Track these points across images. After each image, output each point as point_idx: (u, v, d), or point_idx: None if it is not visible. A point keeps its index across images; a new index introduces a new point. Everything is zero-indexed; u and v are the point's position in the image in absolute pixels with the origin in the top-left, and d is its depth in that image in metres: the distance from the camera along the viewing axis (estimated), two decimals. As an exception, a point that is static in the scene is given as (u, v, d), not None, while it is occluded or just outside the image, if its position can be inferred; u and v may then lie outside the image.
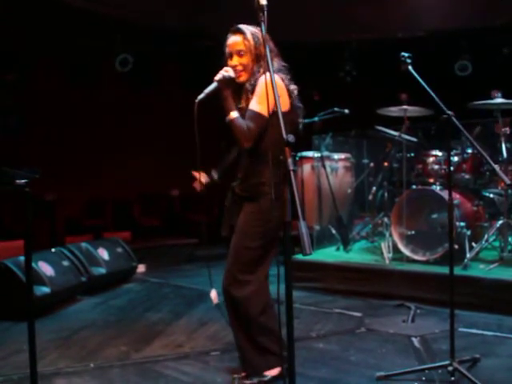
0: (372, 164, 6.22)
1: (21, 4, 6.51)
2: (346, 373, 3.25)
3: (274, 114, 2.79)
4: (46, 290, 4.64)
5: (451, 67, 8.17)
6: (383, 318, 4.34)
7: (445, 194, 4.90)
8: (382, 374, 3.11)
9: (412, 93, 4.95)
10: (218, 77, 2.87)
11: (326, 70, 8.60)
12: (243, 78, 2.95)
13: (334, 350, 3.65)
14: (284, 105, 2.86)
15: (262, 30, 2.23)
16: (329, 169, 6.08)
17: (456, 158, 5.24)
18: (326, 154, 6.16)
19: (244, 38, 2.93)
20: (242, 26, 2.96)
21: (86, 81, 7.75)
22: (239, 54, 2.94)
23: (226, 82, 2.88)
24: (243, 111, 2.89)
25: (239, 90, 2.98)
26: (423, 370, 3.17)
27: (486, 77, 7.52)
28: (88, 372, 3.38)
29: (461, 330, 3.88)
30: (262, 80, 2.72)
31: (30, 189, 2.03)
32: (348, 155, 6.43)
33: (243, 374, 3.06)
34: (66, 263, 5.14)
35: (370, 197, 5.94)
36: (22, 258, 4.67)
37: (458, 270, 4.59)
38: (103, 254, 5.71)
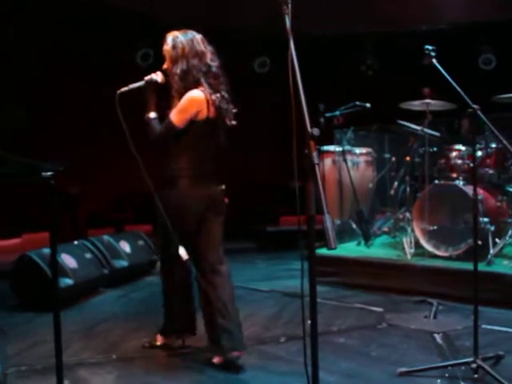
0: (394, 158, 6.17)
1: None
2: (367, 368, 3.24)
3: (193, 123, 3.25)
4: (69, 281, 4.70)
5: (475, 61, 8.06)
6: (405, 314, 4.31)
7: (468, 189, 4.85)
8: (404, 369, 3.10)
9: (435, 86, 4.91)
10: (147, 77, 3.33)
11: (348, 64, 8.54)
12: (171, 80, 3.33)
13: (355, 344, 3.64)
14: (201, 116, 3.26)
15: (286, 24, 2.21)
16: (350, 163, 6.05)
17: (480, 153, 5.17)
18: (347, 148, 6.13)
19: (166, 43, 3.37)
20: (171, 33, 3.38)
21: (110, 75, 7.79)
22: (165, 58, 3.37)
23: (152, 84, 3.34)
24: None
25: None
26: (446, 366, 3.14)
27: (510, 70, 7.41)
28: (110, 363, 3.42)
29: (484, 326, 3.81)
30: (189, 94, 3.22)
31: (55, 182, 2.04)
32: (369, 149, 6.39)
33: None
34: (88, 256, 5.20)
35: (392, 192, 5.88)
36: (45, 250, 4.74)
37: (481, 266, 4.51)
38: (125, 246, 5.75)
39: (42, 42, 7.09)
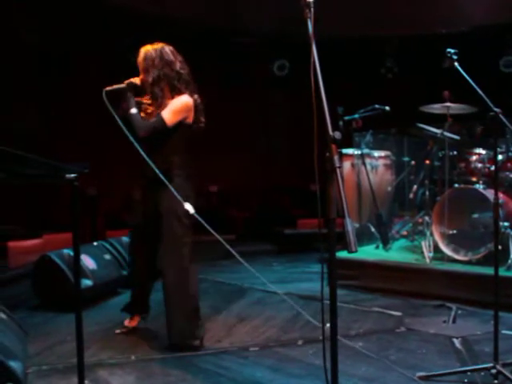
0: (413, 162, 6.14)
1: (65, 2, 6.65)
2: (385, 371, 3.22)
3: (180, 125, 3.64)
4: (88, 282, 4.74)
5: (496, 63, 8.00)
6: (424, 318, 4.28)
7: (488, 194, 4.80)
8: (423, 374, 3.08)
9: (455, 90, 4.88)
10: (127, 81, 3.69)
11: (368, 66, 8.52)
12: (145, 88, 3.72)
13: (373, 348, 3.62)
14: (189, 120, 3.70)
15: (308, 28, 2.21)
16: (369, 166, 6.03)
17: (500, 157, 5.13)
18: (366, 151, 6.11)
19: (138, 56, 3.79)
20: (143, 47, 3.82)
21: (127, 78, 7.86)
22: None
23: (132, 86, 3.70)
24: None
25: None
26: (465, 371, 3.11)
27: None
28: (129, 364, 3.44)
29: (504, 332, 3.78)
30: (183, 99, 3.65)
31: (78, 183, 2.07)
32: (388, 153, 6.36)
33: None
34: (107, 257, 5.24)
35: (411, 195, 5.86)
36: (65, 251, 4.79)
37: (501, 271, 4.46)
38: (143, 248, 5.78)
39: (60, 44, 7.17)
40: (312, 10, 2.15)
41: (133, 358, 3.53)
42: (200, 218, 3.43)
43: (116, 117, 3.54)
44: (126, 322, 4.12)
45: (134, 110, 3.64)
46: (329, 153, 1.79)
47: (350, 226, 1.70)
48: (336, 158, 1.77)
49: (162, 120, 3.56)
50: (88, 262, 4.92)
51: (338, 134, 1.80)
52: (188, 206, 3.43)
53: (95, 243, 5.37)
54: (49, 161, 1.97)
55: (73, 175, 2.02)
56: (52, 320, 4.39)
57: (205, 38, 7.85)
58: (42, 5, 6.64)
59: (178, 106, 3.62)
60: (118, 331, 4.04)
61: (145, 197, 3.83)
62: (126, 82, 3.70)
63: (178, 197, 3.41)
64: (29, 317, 4.50)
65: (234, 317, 4.44)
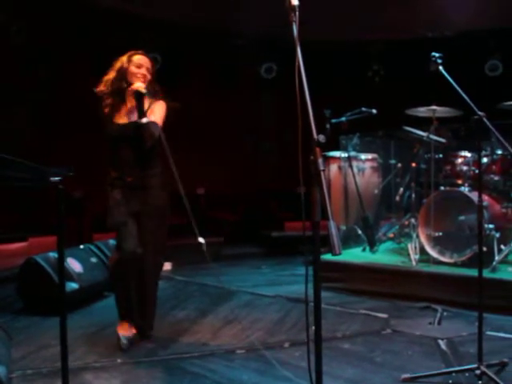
0: (399, 165, 6.18)
1: (52, 4, 6.63)
2: (371, 373, 3.24)
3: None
4: (74, 286, 4.72)
5: (481, 67, 8.07)
6: (409, 320, 4.31)
7: (473, 196, 4.84)
8: (408, 375, 3.10)
9: (441, 93, 4.92)
10: (142, 86, 3.65)
11: (354, 70, 8.56)
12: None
13: (359, 350, 3.64)
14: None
15: (293, 31, 2.22)
16: (356, 169, 6.06)
17: (485, 159, 5.18)
18: (353, 154, 6.14)
19: (147, 62, 3.88)
20: (141, 54, 3.91)
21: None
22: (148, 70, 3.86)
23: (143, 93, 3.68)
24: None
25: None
26: (450, 372, 3.14)
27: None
28: (115, 367, 3.43)
29: (488, 333, 3.82)
30: (163, 104, 3.84)
31: (63, 186, 2.06)
32: (375, 155, 6.40)
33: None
34: (93, 260, 5.22)
35: (397, 198, 5.89)
36: (51, 254, 4.76)
37: (486, 273, 4.51)
38: (130, 251, 5.76)
39: (48, 45, 7.14)
40: (297, 13, 2.15)
41: (118, 361, 3.52)
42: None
43: (141, 122, 3.61)
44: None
45: (146, 119, 3.66)
46: (313, 156, 1.79)
47: (334, 228, 1.71)
48: (320, 161, 1.78)
49: (161, 128, 3.69)
50: (74, 265, 4.90)
51: (322, 138, 1.81)
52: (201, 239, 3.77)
53: (82, 246, 5.34)
54: (33, 164, 1.96)
55: (57, 178, 2.02)
56: (37, 324, 4.36)
57: (193, 40, 7.85)
58: (30, 5, 6.62)
59: (164, 112, 3.81)
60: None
61: (127, 198, 3.84)
62: (143, 88, 3.67)
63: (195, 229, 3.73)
64: (13, 320, 4.47)
65: (220, 319, 4.43)
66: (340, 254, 1.71)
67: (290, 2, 2.18)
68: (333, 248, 1.70)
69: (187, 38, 7.86)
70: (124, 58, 3.85)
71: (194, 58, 8.24)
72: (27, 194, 6.66)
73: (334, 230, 1.71)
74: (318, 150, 1.79)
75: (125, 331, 3.81)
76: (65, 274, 4.60)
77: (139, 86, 3.65)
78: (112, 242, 5.69)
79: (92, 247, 5.41)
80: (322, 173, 1.77)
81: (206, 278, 6.05)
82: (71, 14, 6.85)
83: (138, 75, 3.78)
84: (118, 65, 3.85)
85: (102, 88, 3.85)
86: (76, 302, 4.75)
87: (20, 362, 3.48)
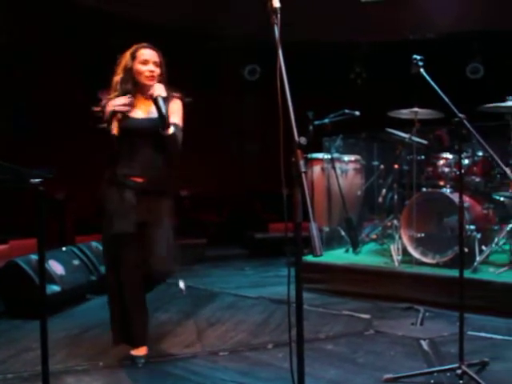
0: (382, 166, 6.21)
1: (33, 2, 6.57)
2: (354, 374, 3.25)
3: None
4: (56, 288, 4.68)
5: (463, 70, 8.15)
6: (392, 321, 4.33)
7: (455, 197, 4.89)
8: (390, 376, 3.12)
9: (423, 95, 4.96)
10: (162, 92, 3.33)
11: (337, 72, 8.60)
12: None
13: (342, 351, 3.65)
14: None
15: (275, 33, 2.23)
16: (339, 171, 6.08)
17: (466, 161, 5.23)
18: (336, 155, 6.16)
19: (159, 57, 3.57)
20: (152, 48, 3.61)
21: (97, 80, 7.80)
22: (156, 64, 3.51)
23: None
24: None
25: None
26: (431, 372, 3.16)
27: (498, 80, 7.49)
28: (97, 371, 3.40)
29: (470, 333, 3.85)
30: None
31: (43, 188, 2.05)
32: (358, 157, 6.43)
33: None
34: (76, 262, 5.18)
35: (380, 199, 5.92)
36: (32, 257, 4.72)
37: (467, 273, 4.56)
38: (113, 253, 5.73)
39: (29, 45, 7.08)
40: (278, 15, 2.16)
41: (101, 364, 3.49)
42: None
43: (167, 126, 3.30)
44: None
45: (172, 128, 3.35)
46: (294, 158, 1.80)
47: (315, 230, 1.72)
48: (301, 162, 1.79)
49: (181, 133, 3.42)
50: (56, 267, 4.86)
51: (303, 140, 1.82)
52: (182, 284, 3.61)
53: (64, 248, 5.30)
54: (12, 165, 1.95)
55: (37, 180, 2.00)
56: (18, 327, 4.31)
57: (176, 42, 7.83)
58: (11, 4, 6.55)
59: (182, 111, 3.55)
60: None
61: (133, 206, 3.34)
62: (163, 90, 3.35)
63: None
64: (-6, 324, 4.43)
65: (203, 321, 4.42)
66: (321, 255, 1.72)
67: (271, 4, 2.19)
68: (314, 249, 1.71)
69: (170, 39, 7.83)
70: (127, 55, 3.48)
71: (177, 59, 8.21)
72: (8, 196, 6.59)
73: (315, 232, 1.72)
74: (299, 151, 1.80)
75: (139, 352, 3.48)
76: (46, 277, 4.56)
77: (158, 92, 3.27)
78: (95, 244, 5.66)
79: (74, 249, 5.37)
80: (303, 174, 1.78)
81: (189, 280, 6.02)
82: (50, 13, 6.79)
83: (146, 73, 3.41)
84: (122, 63, 3.48)
85: (112, 92, 3.47)
86: (58, 304, 4.71)
87: (1, 366, 3.45)
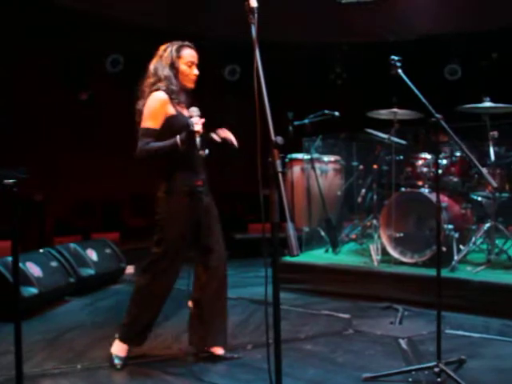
0: (361, 166, 6.25)
1: (6, 2, 6.49)
2: (333, 374, 3.26)
3: None
4: (33, 290, 4.62)
5: (441, 71, 8.22)
6: (371, 320, 4.36)
7: (433, 197, 4.93)
8: (369, 375, 3.13)
9: (402, 96, 5.00)
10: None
11: (317, 72, 8.63)
12: None
13: (321, 351, 3.66)
14: None
15: (252, 32, 2.23)
16: (319, 171, 6.09)
17: (444, 161, 5.28)
18: (315, 156, 6.18)
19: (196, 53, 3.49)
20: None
21: (75, 81, 7.73)
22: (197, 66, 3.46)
23: None
24: None
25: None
26: (410, 371, 3.19)
27: (475, 81, 7.59)
28: (75, 373, 3.36)
29: (447, 331, 3.90)
30: None
31: (18, 189, 2.02)
32: (338, 157, 6.45)
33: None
34: (54, 264, 5.12)
35: (359, 199, 5.96)
36: (9, 259, 4.64)
37: (445, 273, 4.62)
38: (92, 254, 5.69)
39: (8, 48, 6.99)
40: (256, 15, 2.16)
41: (78, 367, 3.46)
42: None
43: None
44: None
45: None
46: (271, 157, 1.80)
47: (292, 230, 1.72)
48: (278, 162, 1.79)
49: None
50: (33, 269, 4.80)
51: (279, 139, 1.82)
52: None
53: (41, 250, 5.24)
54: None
55: (11, 181, 1.97)
56: (-5, 330, 4.25)
57: (155, 42, 7.79)
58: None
59: None
60: None
61: (191, 208, 3.40)
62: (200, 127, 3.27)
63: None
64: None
65: (183, 323, 4.36)
66: (298, 255, 1.72)
67: (249, 4, 2.19)
68: (290, 249, 1.71)
69: (150, 39, 7.79)
70: (172, 51, 3.37)
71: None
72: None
73: (291, 232, 1.72)
74: (275, 151, 1.80)
75: (120, 352, 3.46)
76: (23, 279, 4.52)
77: (198, 128, 3.22)
78: (73, 245, 5.61)
79: (52, 251, 5.31)
80: (279, 174, 1.78)
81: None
82: (27, 12, 6.72)
83: (192, 77, 3.40)
84: (168, 59, 3.35)
85: (165, 84, 3.31)
86: (36, 306, 4.66)
87: (-24, 370, 3.40)
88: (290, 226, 1.72)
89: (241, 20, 2.53)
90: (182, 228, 3.38)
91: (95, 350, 3.77)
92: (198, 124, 3.19)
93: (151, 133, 3.26)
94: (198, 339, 3.55)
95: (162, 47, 3.46)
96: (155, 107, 3.27)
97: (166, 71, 3.32)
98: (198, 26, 7.66)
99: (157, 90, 3.29)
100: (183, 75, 3.37)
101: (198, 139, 3.23)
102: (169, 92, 3.29)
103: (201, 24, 7.59)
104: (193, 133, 3.19)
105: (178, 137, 3.20)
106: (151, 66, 3.40)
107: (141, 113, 3.34)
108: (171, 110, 3.30)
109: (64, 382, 3.23)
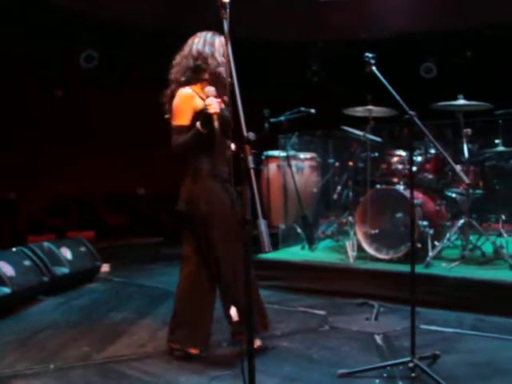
0: (337, 163, 6.26)
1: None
2: (308, 370, 3.27)
3: None
4: (6, 290, 4.55)
5: (416, 69, 8.29)
6: (347, 316, 4.37)
7: (408, 194, 4.96)
8: (344, 371, 3.14)
9: (378, 93, 5.02)
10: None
11: (294, 70, 8.63)
12: None
13: (297, 348, 3.66)
14: None
15: (224, 28, 2.22)
16: (295, 168, 6.09)
17: (419, 158, 5.32)
18: (292, 153, 6.17)
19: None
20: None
21: (48, 76, 7.63)
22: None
23: None
24: None
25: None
26: (384, 366, 3.20)
27: (450, 79, 7.66)
28: (48, 374, 3.32)
29: (422, 327, 3.93)
30: None
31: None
32: (314, 155, 6.46)
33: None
34: (27, 263, 5.04)
35: (335, 196, 5.96)
36: (-20, 258, 4.58)
37: (420, 269, 4.66)
38: (66, 253, 5.61)
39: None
40: (228, 10, 2.15)
41: (51, 367, 3.41)
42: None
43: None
44: None
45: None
46: (243, 153, 1.79)
47: (264, 226, 1.71)
48: (250, 158, 1.78)
49: None
50: (6, 268, 4.72)
51: (251, 135, 1.81)
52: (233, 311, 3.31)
53: (14, 249, 5.15)
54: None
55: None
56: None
57: (131, 39, 7.73)
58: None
59: None
60: None
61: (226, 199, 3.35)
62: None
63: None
64: None
65: (159, 321, 4.36)
66: (270, 251, 1.71)
67: (221, 0, 2.17)
68: (262, 245, 1.70)
69: (126, 36, 7.73)
70: (223, 43, 3.29)
71: (132, 56, 8.11)
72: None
73: (263, 228, 1.71)
74: (247, 147, 1.79)
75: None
76: (-5, 278, 4.44)
77: (213, 109, 3.12)
78: (47, 244, 5.53)
79: (25, 250, 5.21)
80: (251, 170, 1.77)
81: (145, 279, 5.96)
82: (8, 11, 6.63)
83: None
84: (220, 48, 3.33)
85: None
86: (8, 306, 4.59)
87: None
88: (261, 222, 1.71)
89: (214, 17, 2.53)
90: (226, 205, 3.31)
91: (69, 350, 3.72)
92: (213, 105, 3.11)
93: (181, 129, 3.28)
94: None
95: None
96: (181, 104, 3.34)
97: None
98: (172, 24, 7.61)
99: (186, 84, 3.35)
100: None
101: (215, 122, 3.11)
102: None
103: (175, 22, 7.53)
104: (209, 115, 3.12)
105: (197, 122, 3.19)
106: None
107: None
108: (199, 103, 3.30)
109: (36, 383, 3.18)
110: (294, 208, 6.06)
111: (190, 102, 3.31)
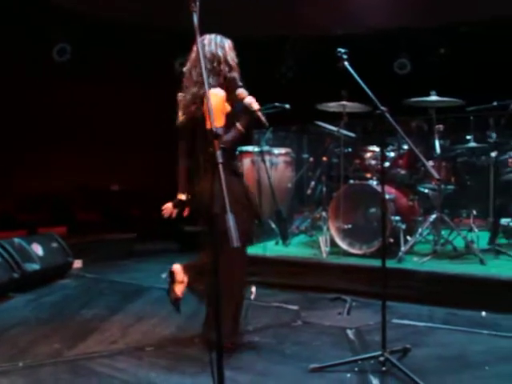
0: (311, 159, 6.28)
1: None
2: (280, 365, 3.27)
3: None
4: (-26, 287, 4.47)
5: (390, 65, 8.34)
6: (319, 311, 4.39)
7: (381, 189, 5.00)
8: (316, 365, 3.15)
9: (352, 89, 5.03)
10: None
11: (268, 65, 8.62)
12: None
13: (269, 343, 3.66)
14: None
15: (194, 22, 2.19)
16: (269, 163, 6.07)
17: (392, 154, 5.36)
18: (266, 148, 6.15)
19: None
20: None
21: (19, 70, 7.50)
22: None
23: None
24: None
25: None
26: (356, 360, 3.22)
27: (423, 75, 7.72)
28: (16, 371, 3.25)
29: (394, 321, 3.97)
30: None
31: None
32: (288, 150, 6.45)
33: None
34: (-4, 259, 4.97)
35: (309, 191, 5.98)
36: None
37: (392, 263, 4.70)
38: (37, 249, 5.53)
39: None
40: (198, 3, 2.13)
41: (20, 364, 3.34)
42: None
43: None
44: None
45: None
46: (211, 148, 1.77)
47: (232, 221, 1.70)
48: (218, 153, 1.76)
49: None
50: (-25, 265, 4.64)
51: (220, 130, 1.79)
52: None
53: (-17, 245, 5.07)
54: None
55: None
56: None
57: (106, 32, 7.64)
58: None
59: None
60: None
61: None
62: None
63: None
64: None
65: (130, 317, 4.33)
66: (238, 246, 1.70)
67: (191, -7, 2.15)
68: (231, 240, 1.69)
69: (100, 29, 7.62)
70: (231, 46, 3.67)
71: (107, 50, 8.00)
72: None
73: (231, 223, 1.70)
74: (216, 142, 1.78)
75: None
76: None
77: (256, 106, 3.41)
78: (18, 240, 5.44)
79: (-5, 246, 5.14)
80: (220, 165, 1.75)
81: (117, 275, 5.91)
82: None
83: None
84: (230, 51, 3.65)
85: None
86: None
87: None
88: (229, 217, 1.69)
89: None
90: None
91: (39, 347, 3.66)
92: (254, 103, 3.35)
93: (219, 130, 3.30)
94: None
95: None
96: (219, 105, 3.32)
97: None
98: (149, 18, 7.54)
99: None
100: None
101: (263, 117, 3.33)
102: None
103: (152, 16, 7.46)
104: (253, 112, 3.30)
105: (237, 123, 3.34)
106: None
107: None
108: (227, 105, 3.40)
109: (4, 382, 3.11)
110: (268, 203, 6.04)
111: (224, 102, 3.38)
